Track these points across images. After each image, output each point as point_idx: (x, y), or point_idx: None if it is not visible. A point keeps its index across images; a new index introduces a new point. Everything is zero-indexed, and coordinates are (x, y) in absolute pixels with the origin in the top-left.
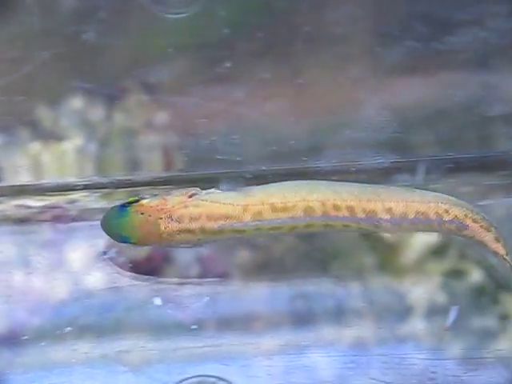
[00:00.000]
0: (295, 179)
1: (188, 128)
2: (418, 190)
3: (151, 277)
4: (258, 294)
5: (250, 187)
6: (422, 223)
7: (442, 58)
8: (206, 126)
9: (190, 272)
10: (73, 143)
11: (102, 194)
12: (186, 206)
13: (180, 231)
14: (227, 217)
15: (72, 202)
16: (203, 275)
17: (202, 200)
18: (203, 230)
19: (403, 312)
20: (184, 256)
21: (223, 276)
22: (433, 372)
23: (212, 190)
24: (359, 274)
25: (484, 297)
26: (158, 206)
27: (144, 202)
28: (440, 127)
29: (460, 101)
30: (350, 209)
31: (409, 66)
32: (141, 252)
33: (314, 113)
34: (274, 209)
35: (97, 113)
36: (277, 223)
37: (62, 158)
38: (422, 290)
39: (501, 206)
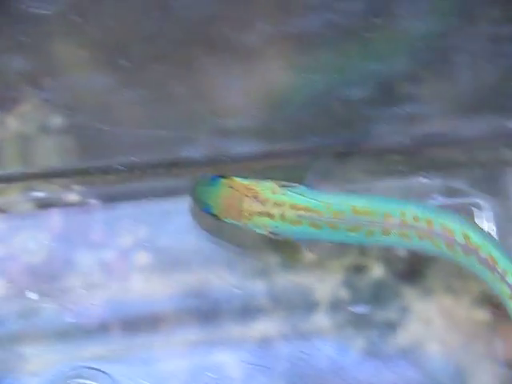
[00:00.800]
0: (167, 169)
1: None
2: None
3: (50, 281)
4: (162, 294)
5: (333, 191)
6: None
7: (295, 41)
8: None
9: (92, 275)
10: None
11: None
12: (273, 192)
13: (261, 213)
14: (308, 209)
15: None
16: (105, 278)
17: (290, 191)
18: (282, 217)
19: (308, 308)
20: (86, 259)
21: (125, 278)
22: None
23: (301, 186)
24: (264, 271)
25: (385, 290)
26: (248, 185)
27: (237, 178)
28: (304, 112)
29: (319, 85)
30: (429, 222)
31: (265, 50)
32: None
33: (182, 101)
34: (354, 210)
35: None
36: (355, 223)
37: None
38: (325, 286)
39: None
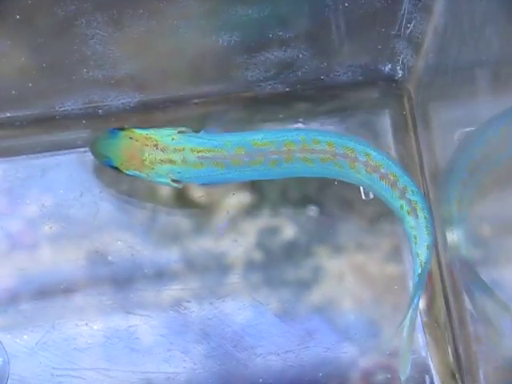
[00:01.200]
0: (42, 125)
1: None
2: None
3: None
4: (75, 263)
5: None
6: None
7: None
8: None
9: None
10: None
11: None
12: (173, 139)
13: (162, 160)
14: (210, 150)
15: None
16: (12, 248)
17: (189, 136)
18: (184, 161)
19: (222, 271)
20: None
21: (33, 248)
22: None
23: (201, 131)
24: (177, 236)
25: (297, 250)
26: (147, 134)
27: (135, 129)
28: (176, 61)
29: (189, 32)
30: (330, 144)
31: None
32: None
33: (55, 53)
34: (255, 143)
35: None
36: (257, 156)
37: None
38: (238, 249)
39: None
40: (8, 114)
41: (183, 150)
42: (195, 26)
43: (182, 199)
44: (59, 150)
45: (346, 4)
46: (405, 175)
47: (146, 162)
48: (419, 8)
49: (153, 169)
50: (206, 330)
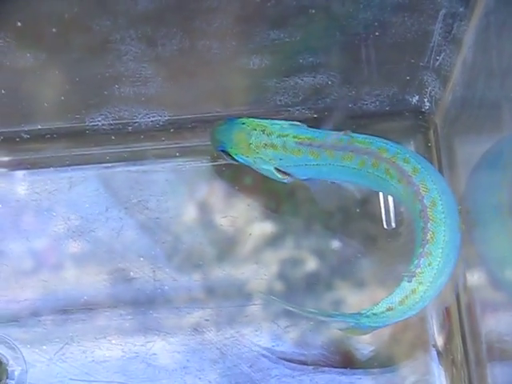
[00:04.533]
0: (72, 138)
1: None
2: None
3: None
4: (96, 279)
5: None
6: None
7: (191, 8)
8: None
9: (23, 264)
10: None
11: None
12: (281, 127)
13: (266, 145)
14: (309, 138)
15: None
16: (37, 267)
17: (297, 126)
18: (284, 147)
19: (242, 299)
20: (17, 248)
21: (57, 267)
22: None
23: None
24: (200, 263)
25: (319, 283)
26: (259, 121)
27: (250, 118)
28: (204, 82)
29: (219, 52)
30: (415, 170)
31: (156, 13)
32: None
33: (86, 68)
34: (352, 141)
35: None
36: (350, 151)
37: None
38: (260, 278)
39: None
40: (39, 126)
41: (286, 136)
42: (227, 47)
43: (205, 225)
44: (87, 164)
45: (377, 33)
46: None
47: (252, 146)
48: (449, 40)
49: (258, 153)
50: (223, 350)
